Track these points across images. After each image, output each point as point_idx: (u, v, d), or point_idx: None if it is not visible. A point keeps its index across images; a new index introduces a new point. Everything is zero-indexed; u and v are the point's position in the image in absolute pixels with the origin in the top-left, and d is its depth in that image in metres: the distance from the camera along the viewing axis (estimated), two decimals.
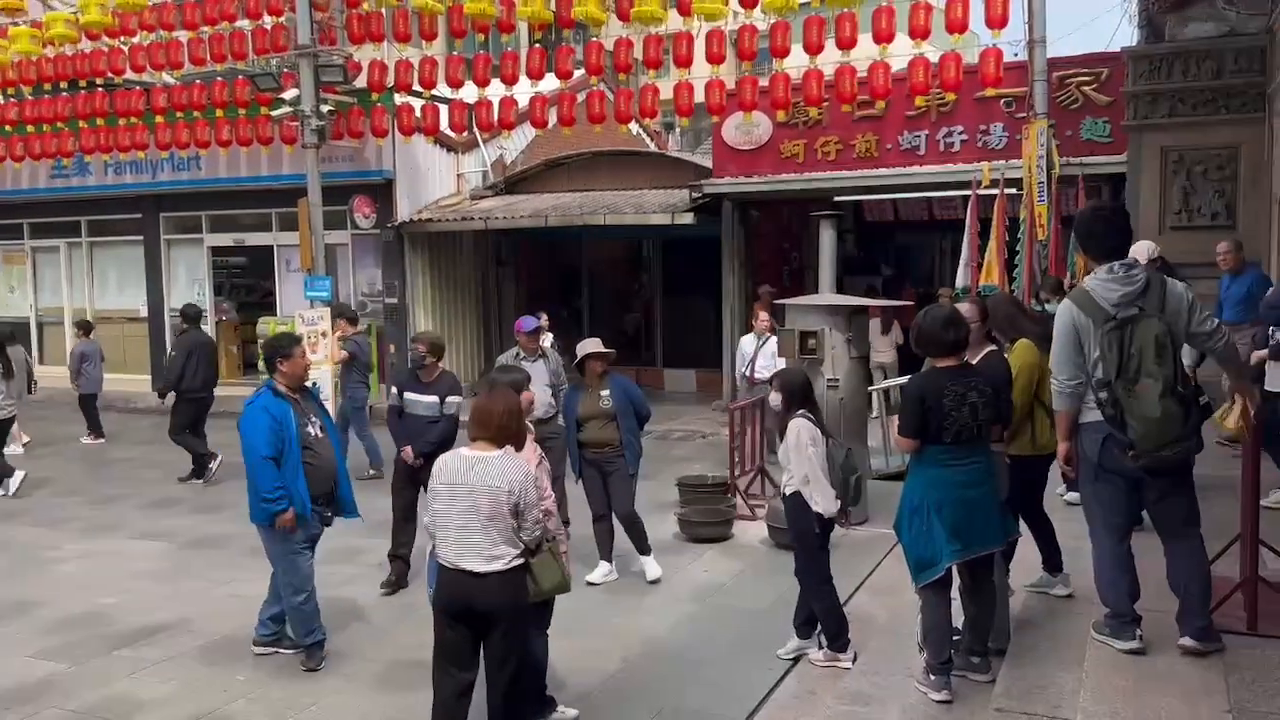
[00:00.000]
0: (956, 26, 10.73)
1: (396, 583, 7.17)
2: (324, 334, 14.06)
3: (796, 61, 11.86)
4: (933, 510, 4.58)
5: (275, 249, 16.30)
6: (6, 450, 11.04)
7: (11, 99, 16.39)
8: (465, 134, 16.03)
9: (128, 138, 15.36)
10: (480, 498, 4.17)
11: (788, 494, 5.45)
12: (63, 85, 15.41)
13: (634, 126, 17.45)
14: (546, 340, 12.79)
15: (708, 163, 15.26)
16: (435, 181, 16.14)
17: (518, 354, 8.57)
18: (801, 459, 5.33)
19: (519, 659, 4.37)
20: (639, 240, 17.41)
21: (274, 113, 13.99)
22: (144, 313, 17.21)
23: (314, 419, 5.87)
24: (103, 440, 13.50)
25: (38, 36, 13.46)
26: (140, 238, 17.10)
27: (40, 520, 9.47)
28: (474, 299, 17.05)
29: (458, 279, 16.60)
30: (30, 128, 16.06)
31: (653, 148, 20.37)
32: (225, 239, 16.79)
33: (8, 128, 16.25)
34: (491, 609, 4.23)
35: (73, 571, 7.87)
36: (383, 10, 13.30)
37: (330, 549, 7.40)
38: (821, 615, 5.47)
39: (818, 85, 11.66)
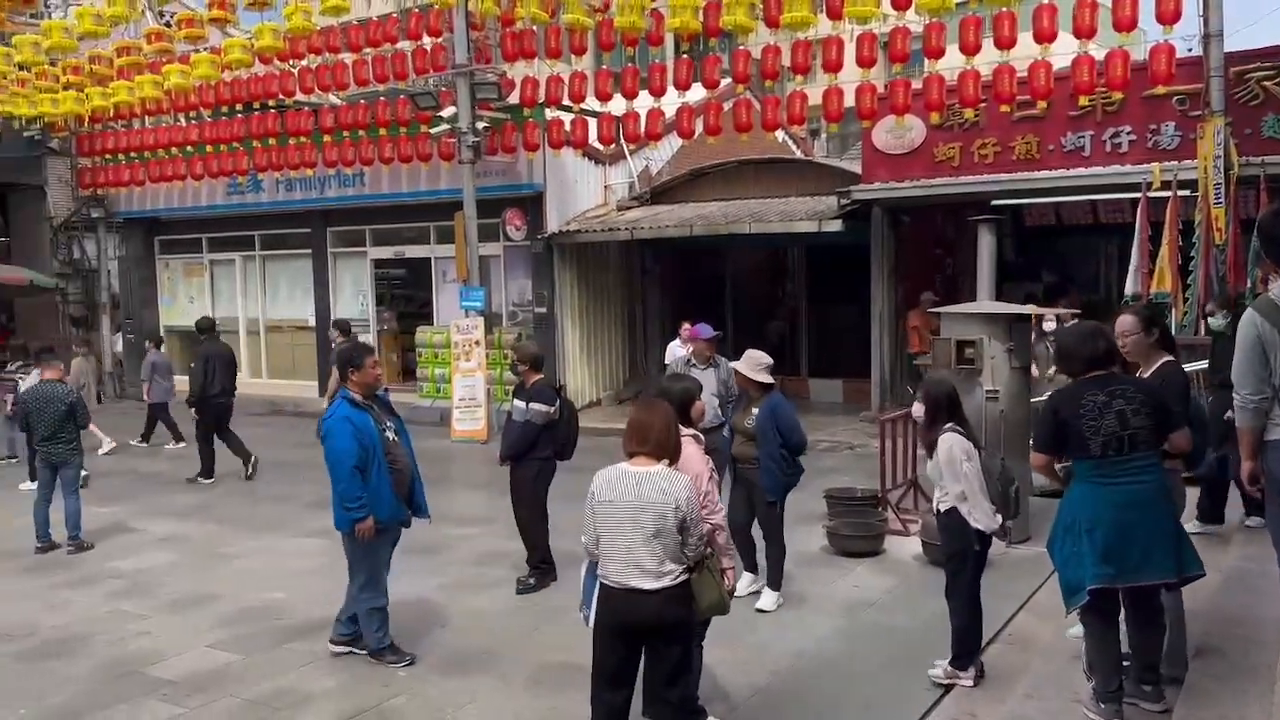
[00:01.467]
0: (1125, 24, 10.19)
1: (536, 585, 7.37)
2: (477, 343, 14.48)
3: (950, 63, 11.50)
4: (1084, 530, 4.30)
5: (433, 261, 16.86)
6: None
7: (192, 121, 17.57)
8: (613, 146, 16.22)
9: (297, 156, 16.20)
10: (646, 514, 4.07)
11: (942, 510, 5.26)
12: (238, 107, 16.38)
13: (780, 134, 17.28)
14: (684, 350, 12.81)
15: (855, 168, 14.97)
16: (583, 193, 16.38)
17: (688, 360, 8.60)
18: (956, 475, 5.14)
19: (688, 675, 4.30)
20: (784, 248, 17.20)
21: (433, 130, 14.49)
22: (311, 322, 18.06)
23: (389, 423, 6.05)
24: (183, 444, 13.79)
25: (217, 62, 14.34)
26: (309, 251, 17.98)
27: (216, 518, 10.04)
28: (619, 308, 17.20)
29: (604, 288, 16.79)
30: (209, 148, 17.16)
31: (799, 154, 20.14)
32: (386, 252, 17.46)
33: (189, 148, 17.40)
34: (660, 626, 4.14)
35: (246, 567, 8.30)
36: (535, 28, 13.60)
37: (482, 552, 7.58)
38: (958, 632, 5.31)
39: (974, 86, 11.27)
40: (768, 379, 6.76)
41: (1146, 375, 4.61)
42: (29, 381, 11.61)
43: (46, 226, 19.97)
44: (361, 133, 15.54)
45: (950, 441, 5.18)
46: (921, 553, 7.77)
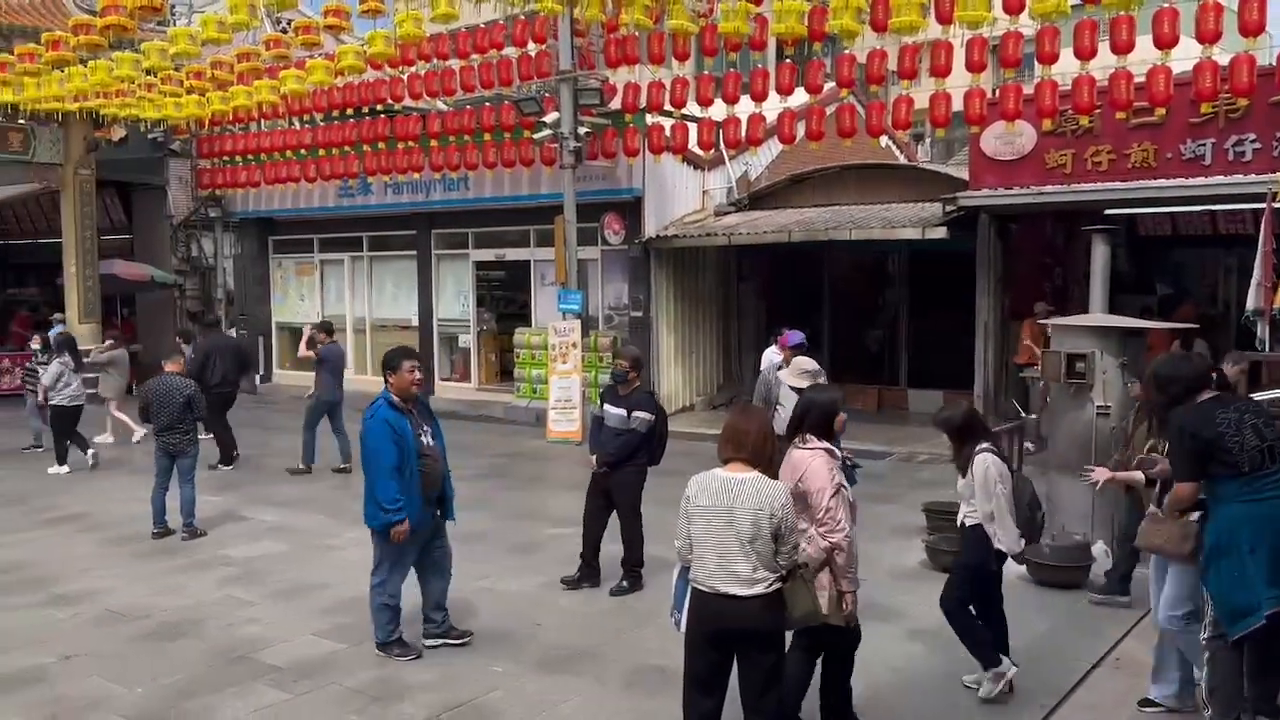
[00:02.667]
0: (1252, 27, 9.72)
1: (579, 580, 7.47)
2: (574, 345, 14.59)
3: (1063, 68, 11.14)
4: (1245, 552, 4.16)
5: (532, 263, 17.05)
6: (98, 439, 13.11)
7: (306, 125, 18.12)
8: (712, 151, 16.17)
9: (405, 160, 16.57)
10: (740, 520, 4.06)
11: (967, 525, 5.35)
12: (349, 112, 16.84)
13: (884, 139, 17.00)
14: (779, 356, 12.69)
15: (960, 174, 14.60)
16: (681, 198, 16.37)
17: (780, 366, 8.53)
18: (989, 495, 5.21)
19: (780, 685, 4.27)
20: (884, 255, 16.91)
21: (535, 135, 14.66)
22: (415, 322, 18.43)
23: (425, 427, 6.16)
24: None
25: (330, 67, 14.72)
26: (413, 252, 18.35)
27: (322, 510, 10.30)
28: (715, 314, 17.13)
29: (700, 293, 16.75)
30: (321, 151, 17.67)
31: (902, 160, 19.78)
32: (488, 254, 17.72)
33: (303, 151, 17.95)
34: (751, 633, 4.13)
35: (349, 558, 8.45)
36: (638, 34, 13.64)
37: (576, 552, 7.62)
38: (965, 641, 5.42)
39: (1089, 91, 10.89)
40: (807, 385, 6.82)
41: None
42: (50, 373, 12.39)
43: (167, 225, 20.86)
44: (467, 137, 15.81)
45: (988, 462, 5.24)
46: (1025, 571, 7.52)
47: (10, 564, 8.40)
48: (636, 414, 7.27)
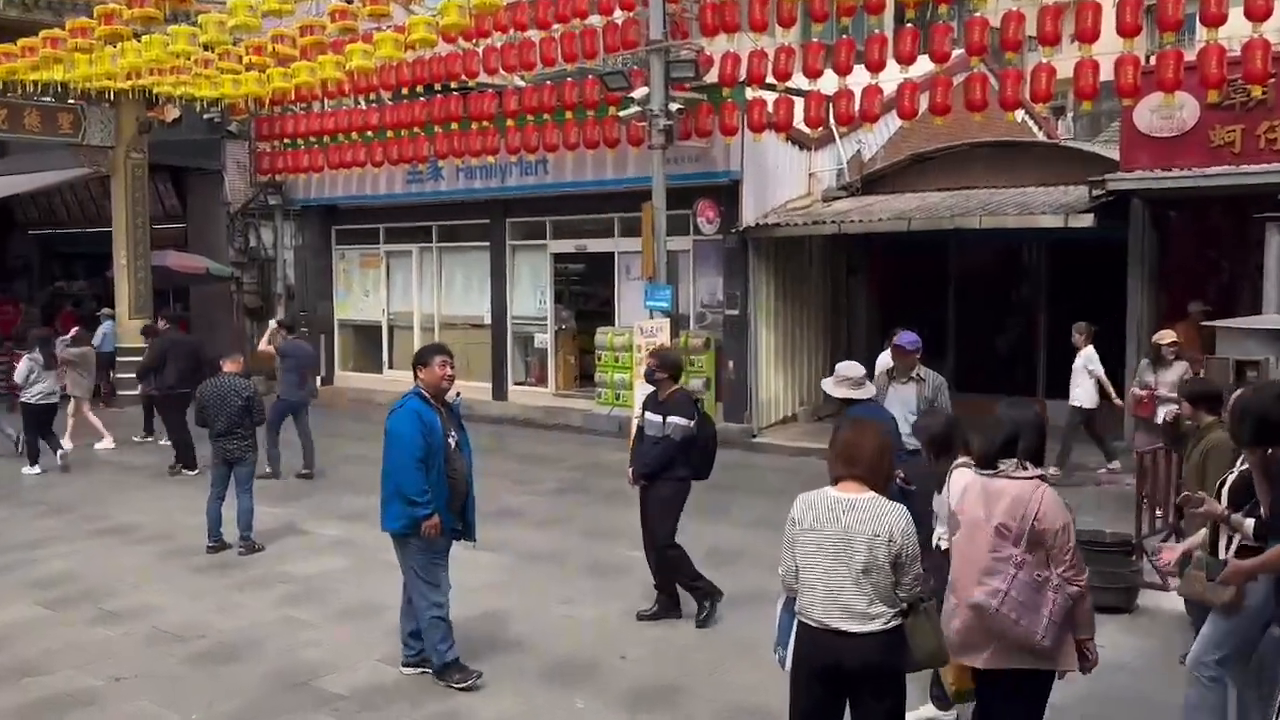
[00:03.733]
0: None
1: (656, 614, 7.47)
2: (662, 346, 14.59)
3: (1231, 30, 10.75)
4: None
5: (616, 255, 17.13)
6: (65, 444, 13.62)
7: (373, 104, 18.49)
8: (820, 129, 15.99)
9: (479, 142, 16.80)
10: (854, 547, 4.03)
11: (939, 549, 5.40)
12: (419, 90, 17.14)
13: (1019, 113, 16.64)
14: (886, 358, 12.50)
15: (1109, 154, 14.21)
16: (784, 182, 16.27)
17: (890, 372, 8.43)
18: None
19: None
20: (1020, 246, 16.54)
21: (622, 113, 14.73)
22: (487, 319, 18.68)
23: (454, 433, 6.25)
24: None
25: (400, 41, 15.01)
26: (486, 243, 18.60)
27: None
28: (822, 312, 16.97)
29: (805, 289, 16.62)
30: (389, 133, 18.02)
31: (1041, 137, 19.35)
32: (567, 245, 17.87)
33: (369, 133, 18.33)
34: (867, 675, 4.08)
35: None
36: None
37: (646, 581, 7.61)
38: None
39: (1263, 58, 10.49)
40: (848, 394, 6.86)
41: None
42: (19, 370, 13.13)
43: (223, 213, 21.54)
44: (546, 116, 15.96)
45: (967, 479, 5.12)
46: (1185, 612, 7.27)
47: (58, 576, 8.78)
48: (671, 419, 7.25)
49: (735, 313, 15.75)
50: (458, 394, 6.57)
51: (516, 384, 18.30)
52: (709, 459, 7.48)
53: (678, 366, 7.58)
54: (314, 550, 9.56)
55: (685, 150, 15.13)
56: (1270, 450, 4.41)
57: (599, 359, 16.60)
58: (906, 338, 8.33)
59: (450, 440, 6.23)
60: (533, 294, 18.29)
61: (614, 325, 16.86)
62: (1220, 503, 4.75)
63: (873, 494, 4.11)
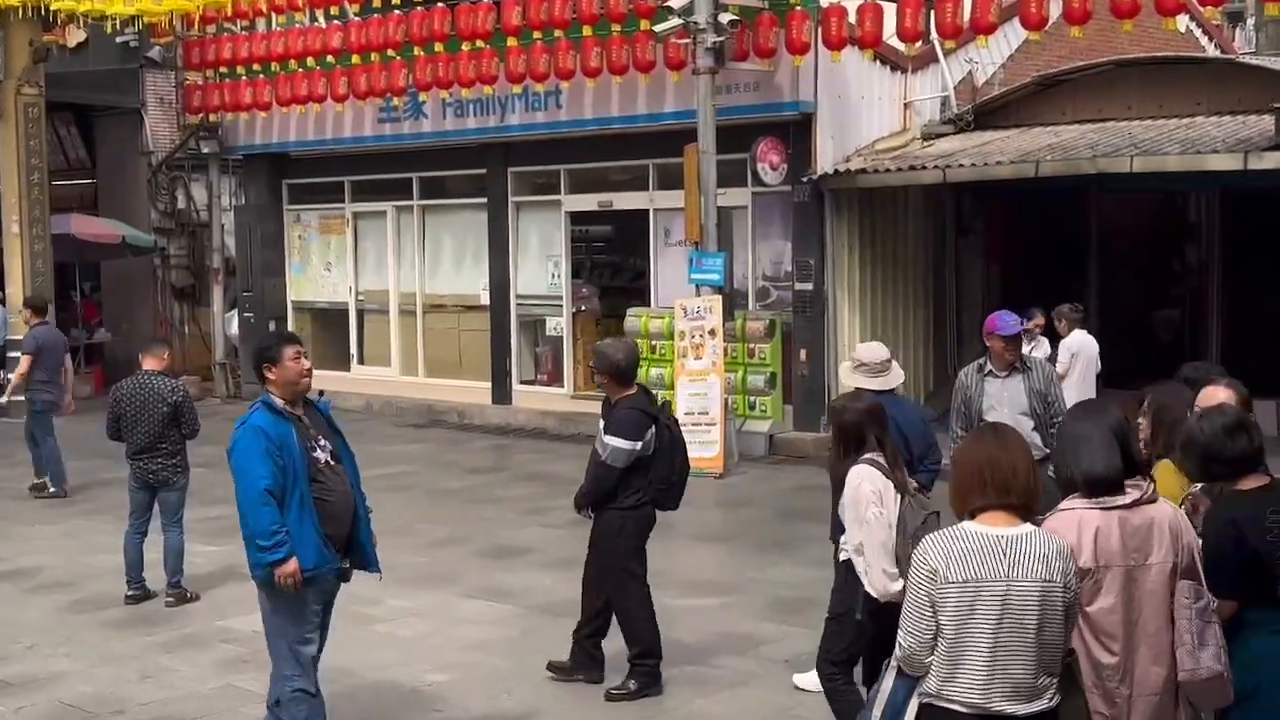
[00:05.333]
0: None
1: (572, 669, 7.55)
2: (712, 332, 14.60)
3: None
4: (1272, 692, 4.46)
5: (651, 214, 17.11)
6: None
7: (334, 21, 18.49)
8: (919, 45, 15.90)
9: (472, 68, 16.78)
10: (1029, 600, 4.00)
11: (840, 560, 5.98)
12: (395, 2, 17.18)
13: (1182, 20, 16.46)
14: (1040, 349, 12.49)
15: None
16: (872, 115, 16.19)
17: (983, 365, 8.47)
18: (859, 519, 5.78)
19: None
20: (1184, 196, 16.41)
21: (657, 28, 14.72)
22: (484, 299, 18.70)
23: (323, 442, 6.21)
24: None
25: None
26: (483, 200, 18.63)
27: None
28: (922, 285, 16.91)
29: (900, 254, 16.56)
30: (355, 58, 18.00)
31: (1212, 51, 19.12)
32: (588, 201, 17.87)
33: (330, 59, 18.33)
34: None
35: (395, 635, 8.69)
36: None
37: (720, 633, 7.57)
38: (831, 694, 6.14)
39: None
40: (865, 383, 7.13)
41: None
42: None
43: (144, 164, 21.72)
44: (559, 34, 15.95)
45: (861, 477, 5.78)
46: None
47: None
48: (606, 439, 7.30)
49: (809, 287, 15.68)
50: (320, 391, 6.57)
51: (523, 384, 18.38)
52: (677, 486, 7.58)
53: (615, 367, 7.47)
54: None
55: (740, 76, 15.08)
56: (1220, 486, 4.83)
57: None
58: (1005, 322, 8.36)
59: (319, 454, 6.22)
60: (543, 266, 18.32)
61: (649, 305, 16.86)
62: None
63: (1031, 527, 4.11)
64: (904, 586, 5.30)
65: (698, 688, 7.58)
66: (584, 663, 7.61)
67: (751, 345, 15.33)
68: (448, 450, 16.32)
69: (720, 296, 14.68)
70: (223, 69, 19.90)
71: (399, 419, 18.37)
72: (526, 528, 11.86)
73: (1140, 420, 5.56)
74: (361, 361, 20.49)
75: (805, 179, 15.43)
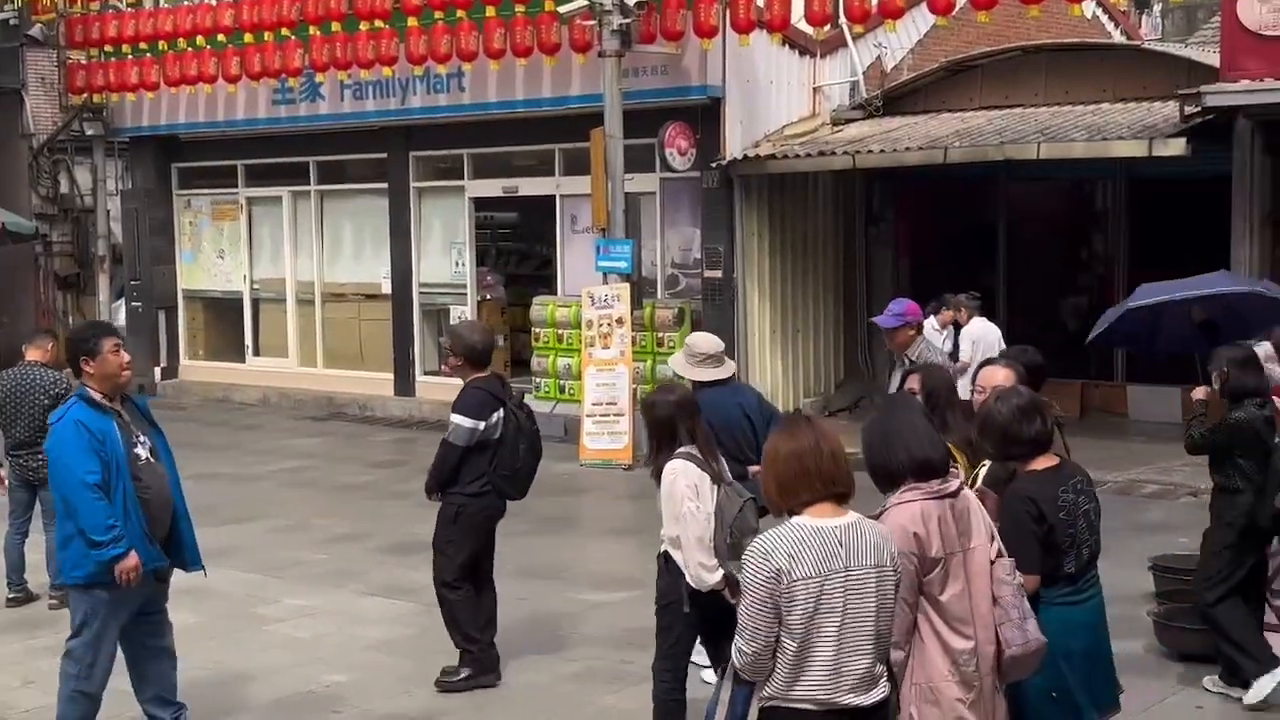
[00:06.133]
0: None
1: (468, 680, 7.51)
2: (619, 321, 14.59)
3: None
4: (1060, 661, 4.82)
5: (558, 200, 17.07)
6: None
7: None
8: (828, 29, 16.03)
9: (371, 48, 16.62)
10: (867, 588, 4.06)
11: (660, 551, 6.14)
12: None
13: (1089, 5, 16.73)
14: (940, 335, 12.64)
15: (1206, 59, 14.34)
16: (781, 101, 16.25)
17: (892, 357, 8.63)
18: (675, 515, 5.93)
19: None
20: (1091, 183, 16.68)
21: (562, 9, 14.67)
22: (386, 288, 18.58)
23: (142, 438, 6.20)
24: None
25: None
26: (384, 185, 18.51)
27: (254, 563, 10.41)
28: (832, 273, 17.02)
29: (810, 243, 16.64)
30: (249, 37, 17.75)
31: (1118, 37, 19.46)
32: (492, 187, 17.79)
33: (222, 37, 18.03)
34: None
35: (292, 635, 8.58)
36: None
37: (627, 628, 7.57)
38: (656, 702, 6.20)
39: None
40: (705, 375, 7.30)
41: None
42: None
43: (24, 147, 21.23)
44: (461, 13, 15.84)
45: (676, 473, 5.95)
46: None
47: None
48: (454, 419, 7.44)
49: (718, 275, 15.73)
50: (140, 386, 6.49)
51: (428, 374, 18.24)
52: (523, 473, 7.62)
53: (471, 349, 7.58)
54: None
55: (648, 59, 15.08)
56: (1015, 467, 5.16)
57: (536, 338, 16.57)
58: (891, 313, 8.52)
59: (139, 450, 6.16)
60: (447, 253, 18.23)
61: (556, 293, 16.86)
62: None
63: (857, 515, 4.16)
64: (723, 576, 5.82)
65: (608, 684, 7.57)
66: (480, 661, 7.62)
67: (660, 334, 15.34)
68: (348, 443, 16.15)
69: (628, 284, 14.68)
70: (108, 47, 19.56)
71: (297, 412, 18.17)
72: (429, 522, 11.65)
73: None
74: (257, 353, 20.21)
75: (714, 164, 15.47)
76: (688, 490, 5.88)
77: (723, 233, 15.68)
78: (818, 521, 4.08)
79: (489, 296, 18.11)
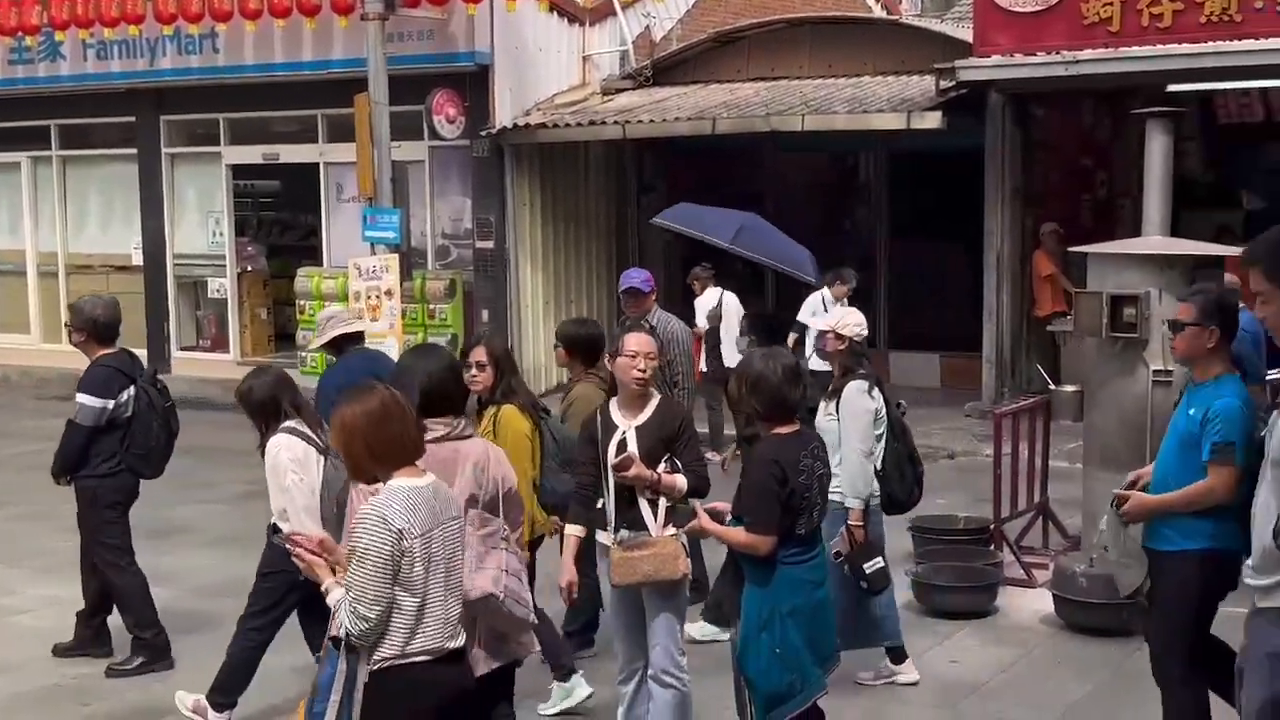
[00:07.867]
0: None
1: (74, 648, 7.70)
2: (388, 293, 14.49)
3: None
4: (785, 619, 5.17)
5: (321, 168, 16.89)
6: None
7: None
8: None
9: (115, 6, 16.15)
10: (456, 538, 4.49)
11: (270, 523, 6.45)
12: None
13: None
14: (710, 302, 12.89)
15: (961, 34, 14.87)
16: (550, 69, 16.35)
17: (624, 321, 8.94)
18: (280, 487, 6.24)
19: None
20: (853, 155, 17.16)
21: None
22: (136, 259, 18.10)
23: None
24: None
25: None
26: (133, 151, 17.99)
27: None
28: (605, 242, 17.21)
29: (581, 213, 16.81)
30: None
31: (879, 12, 20.04)
32: (252, 153, 17.48)
33: None
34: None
35: (35, 627, 8.35)
36: None
37: None
38: (227, 666, 6.58)
39: None
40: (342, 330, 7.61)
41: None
42: None
43: None
44: None
45: (279, 446, 6.26)
46: (1052, 612, 7.84)
47: None
48: (80, 398, 7.51)
49: (489, 246, 15.78)
50: None
51: (184, 349, 17.94)
52: (157, 452, 7.66)
53: (93, 322, 7.66)
54: None
55: (413, 23, 15.00)
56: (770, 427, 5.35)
57: (301, 312, 16.35)
58: (640, 278, 8.95)
59: None
60: (203, 223, 17.90)
61: (321, 265, 16.72)
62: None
63: (432, 475, 4.48)
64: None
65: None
66: (87, 640, 7.71)
67: (432, 306, 15.32)
68: None
69: (397, 255, 14.58)
70: None
71: (40, 390, 17.47)
72: (185, 505, 11.50)
73: (474, 366, 6.29)
74: None
75: (484, 133, 15.49)
76: (291, 464, 6.18)
77: (494, 202, 15.73)
78: (411, 483, 4.38)
79: (250, 268, 17.80)
